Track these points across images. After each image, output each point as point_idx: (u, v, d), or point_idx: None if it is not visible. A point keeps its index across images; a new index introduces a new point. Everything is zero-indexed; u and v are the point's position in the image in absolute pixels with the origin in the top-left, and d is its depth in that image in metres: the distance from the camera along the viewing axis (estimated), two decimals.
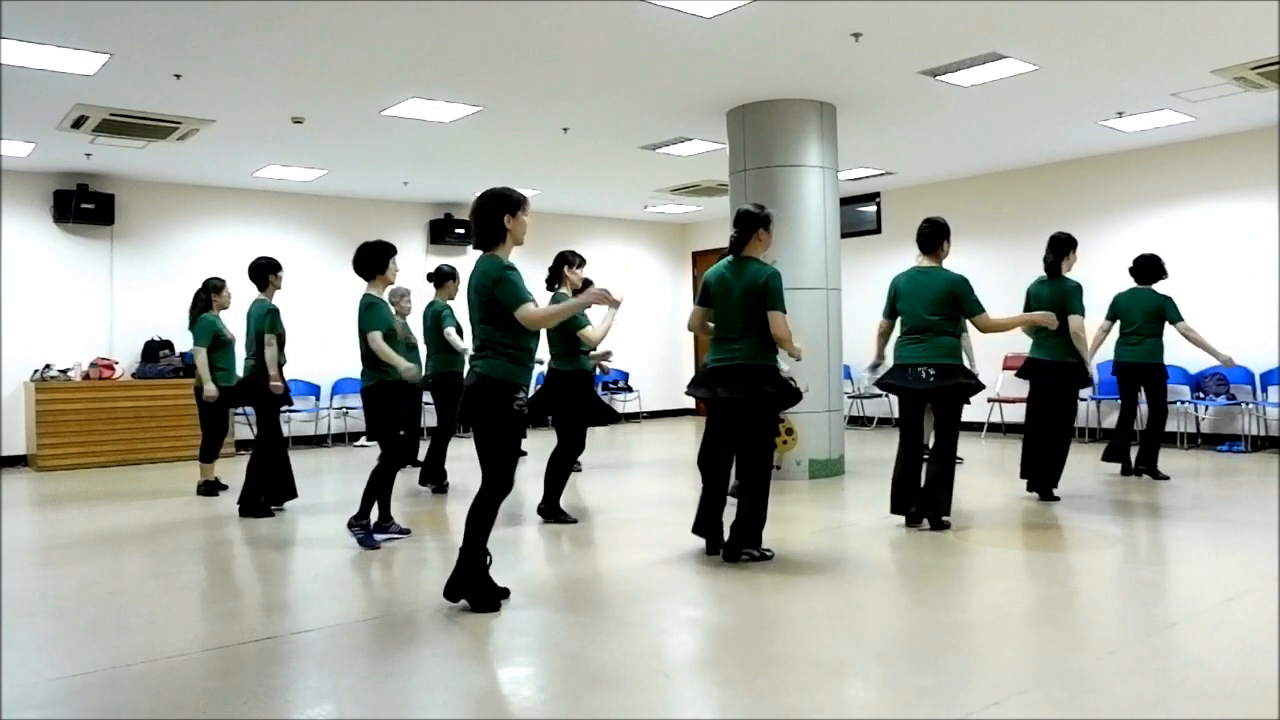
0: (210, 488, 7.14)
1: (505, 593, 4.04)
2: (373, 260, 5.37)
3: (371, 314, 5.31)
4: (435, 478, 7.14)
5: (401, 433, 5.45)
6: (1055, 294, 6.24)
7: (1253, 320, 8.82)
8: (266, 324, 6.17)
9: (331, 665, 3.33)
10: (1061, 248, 6.35)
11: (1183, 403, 9.10)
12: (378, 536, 5.30)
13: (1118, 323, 7.25)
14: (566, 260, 5.98)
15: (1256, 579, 4.17)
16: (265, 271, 6.35)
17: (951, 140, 9.03)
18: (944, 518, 5.36)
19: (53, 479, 8.35)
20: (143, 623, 3.83)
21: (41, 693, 3.07)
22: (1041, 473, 6.29)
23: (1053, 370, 6.22)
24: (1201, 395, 8.92)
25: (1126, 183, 9.69)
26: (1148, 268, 7.22)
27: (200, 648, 3.50)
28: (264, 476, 6.22)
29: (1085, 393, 9.77)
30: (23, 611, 4.04)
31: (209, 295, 6.93)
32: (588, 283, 6.14)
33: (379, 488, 5.30)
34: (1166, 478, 7.06)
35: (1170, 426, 9.31)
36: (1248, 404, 8.77)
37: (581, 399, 5.90)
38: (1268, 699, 2.82)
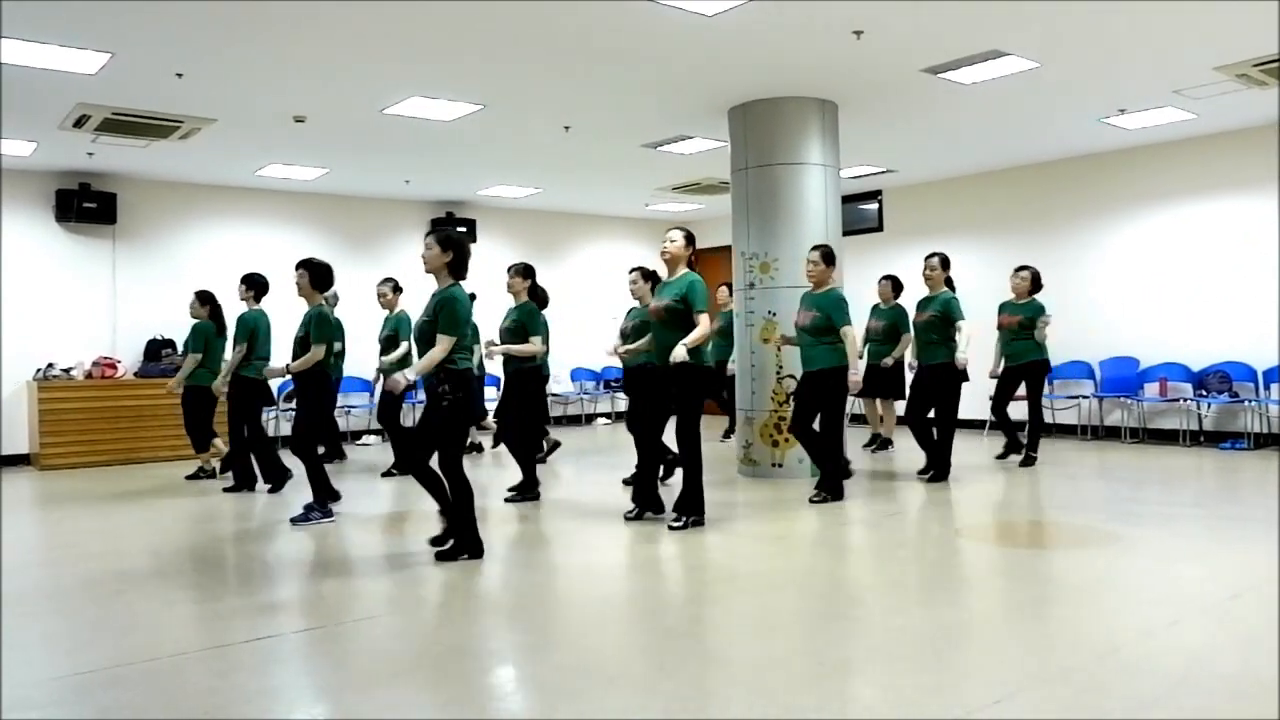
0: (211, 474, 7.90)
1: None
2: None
3: None
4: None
5: None
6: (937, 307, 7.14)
7: (1255, 317, 8.81)
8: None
9: (332, 664, 3.34)
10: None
11: (1185, 400, 9.09)
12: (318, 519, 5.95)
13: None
14: (519, 272, 6.74)
15: (1258, 576, 4.17)
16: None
17: (953, 138, 9.02)
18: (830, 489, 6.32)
19: (55, 478, 8.36)
20: (145, 621, 3.83)
21: (44, 692, 3.08)
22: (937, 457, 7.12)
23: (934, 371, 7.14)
24: (1204, 393, 8.91)
25: (1128, 180, 9.67)
26: (1034, 279, 7.88)
27: (202, 646, 3.50)
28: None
29: (1087, 390, 9.84)
30: (25, 611, 4.05)
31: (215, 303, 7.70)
32: (534, 291, 6.71)
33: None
34: (1007, 457, 8.05)
35: (1173, 424, 9.32)
36: (1250, 401, 8.75)
37: (535, 395, 6.71)
38: (1270, 697, 2.81)
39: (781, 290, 7.30)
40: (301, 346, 5.97)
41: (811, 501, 6.21)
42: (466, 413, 4.72)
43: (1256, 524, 5.28)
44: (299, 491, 6.67)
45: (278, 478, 7.15)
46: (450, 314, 4.65)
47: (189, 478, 7.90)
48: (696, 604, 4.06)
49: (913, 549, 4.99)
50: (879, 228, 11.77)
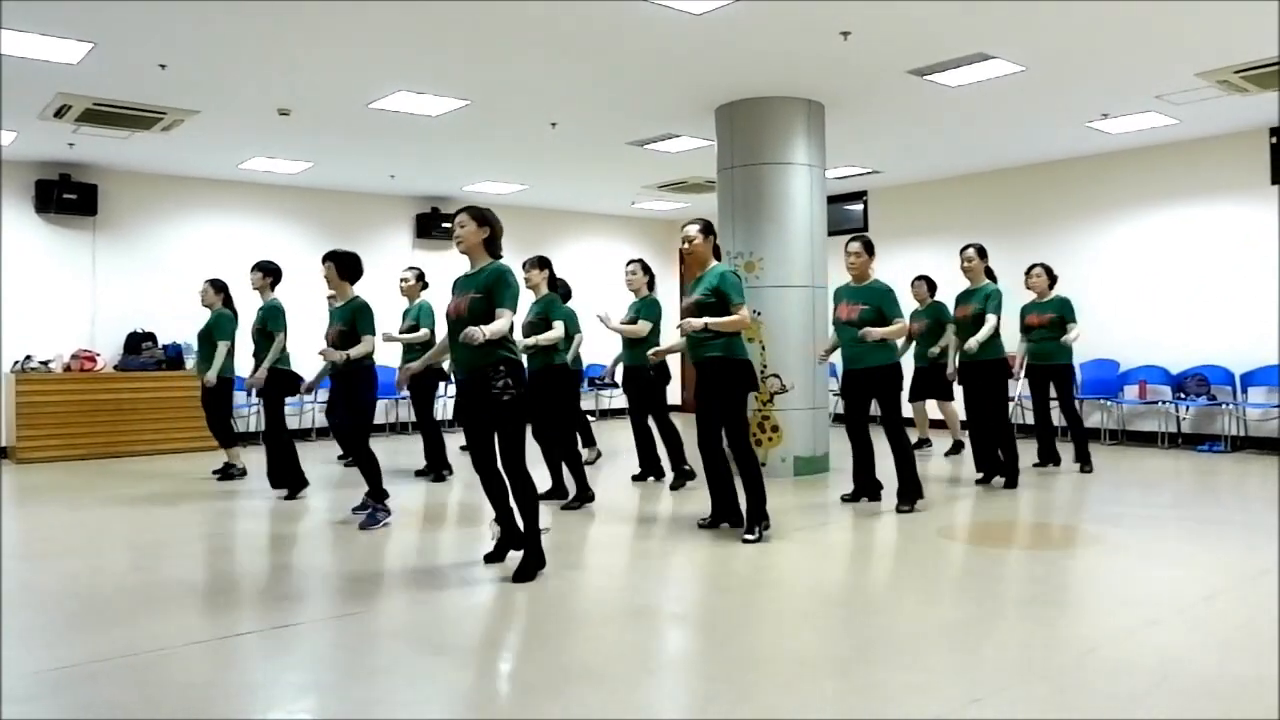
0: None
1: None
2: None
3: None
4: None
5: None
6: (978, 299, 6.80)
7: (1234, 321, 8.89)
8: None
9: (313, 660, 3.32)
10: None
11: (1164, 403, 9.17)
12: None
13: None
14: (535, 264, 6.40)
15: (1235, 578, 4.21)
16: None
17: (938, 140, 9.06)
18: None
19: (32, 471, 8.28)
20: (124, 616, 3.80)
21: (23, 686, 3.05)
22: (992, 462, 6.83)
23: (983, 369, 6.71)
24: (1182, 395, 8.99)
25: (1111, 184, 9.75)
26: (1049, 274, 7.66)
27: (182, 641, 3.48)
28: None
29: None
30: (4, 605, 4.00)
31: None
32: (553, 282, 6.40)
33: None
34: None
35: (1151, 426, 9.40)
36: (1227, 404, 8.84)
37: (567, 395, 6.28)
38: (1246, 696, 2.85)
39: (767, 289, 7.32)
40: (344, 339, 5.61)
41: (899, 511, 5.85)
42: (526, 405, 4.40)
43: (1234, 526, 5.34)
44: (314, 496, 6.59)
45: (294, 483, 6.58)
46: (512, 288, 4.33)
47: (216, 473, 7.54)
48: (679, 603, 4.06)
49: (894, 549, 5.01)
50: (864, 228, 11.80)
